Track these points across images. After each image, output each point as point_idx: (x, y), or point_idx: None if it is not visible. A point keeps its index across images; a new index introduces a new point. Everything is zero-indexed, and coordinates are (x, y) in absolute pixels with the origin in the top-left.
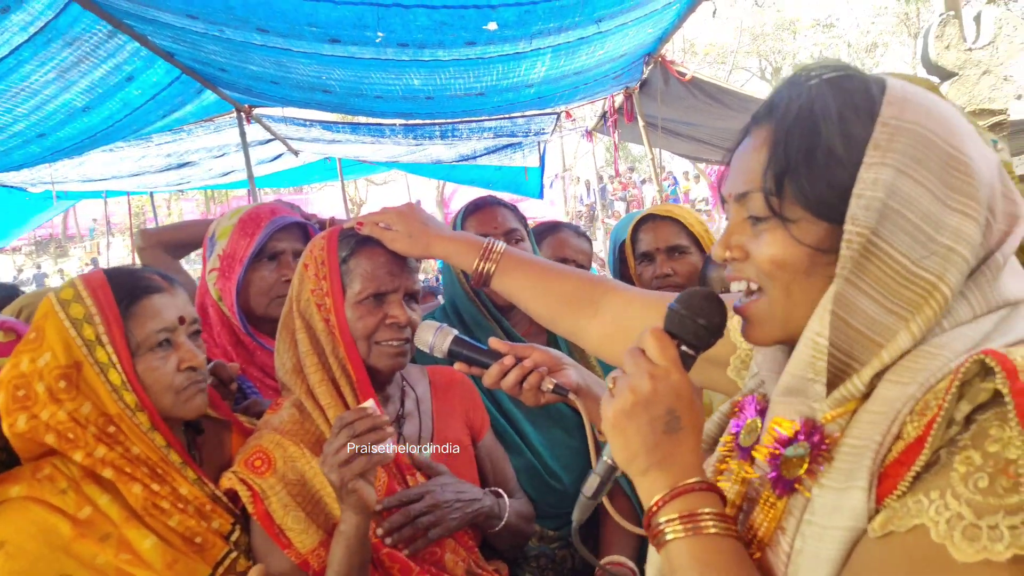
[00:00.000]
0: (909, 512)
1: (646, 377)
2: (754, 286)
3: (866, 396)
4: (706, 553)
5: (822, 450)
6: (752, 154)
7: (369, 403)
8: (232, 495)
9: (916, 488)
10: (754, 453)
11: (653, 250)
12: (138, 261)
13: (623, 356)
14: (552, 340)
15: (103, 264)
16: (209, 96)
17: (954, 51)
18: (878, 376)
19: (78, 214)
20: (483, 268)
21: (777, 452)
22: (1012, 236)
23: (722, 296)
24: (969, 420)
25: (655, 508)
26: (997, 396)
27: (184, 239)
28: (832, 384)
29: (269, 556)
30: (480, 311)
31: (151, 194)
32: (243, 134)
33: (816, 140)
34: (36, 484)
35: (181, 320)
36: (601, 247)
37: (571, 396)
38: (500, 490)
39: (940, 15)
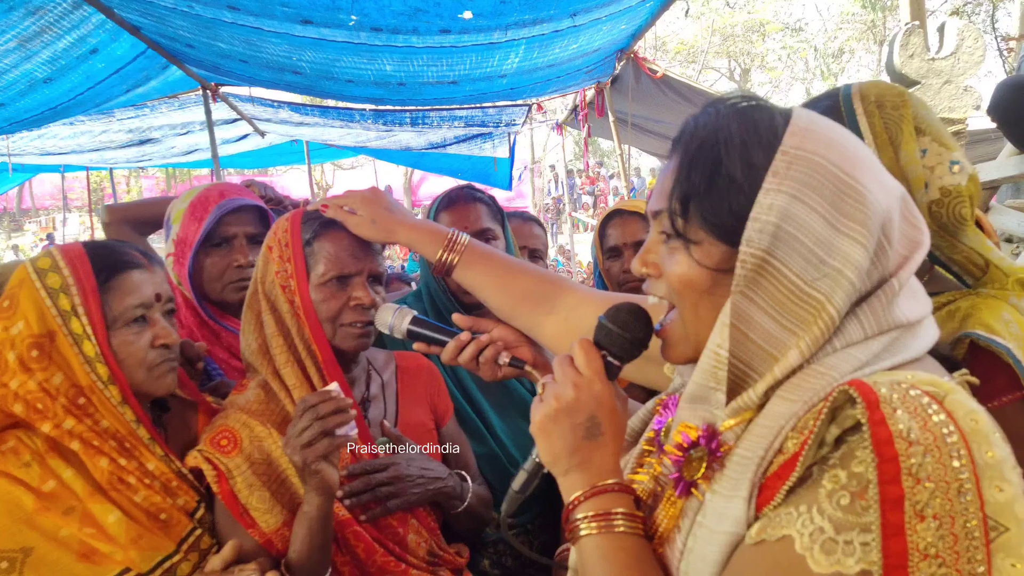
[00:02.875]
0: (780, 523)
1: (570, 386)
2: (665, 303)
3: (761, 407)
4: (612, 550)
5: (717, 456)
6: (667, 175)
7: (333, 386)
8: (197, 473)
9: (789, 500)
10: (662, 454)
11: (620, 245)
12: (98, 238)
13: (554, 363)
14: None
15: (59, 240)
16: (175, 72)
17: (918, 60)
18: (773, 389)
19: (34, 188)
20: (446, 259)
21: (679, 454)
22: (910, 262)
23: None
24: (841, 440)
25: (572, 506)
26: (861, 424)
27: (151, 217)
28: (733, 393)
29: (233, 535)
30: (449, 298)
31: (110, 170)
32: (208, 112)
33: (718, 167)
34: (0, 457)
35: (158, 297)
36: (567, 240)
37: (528, 368)
38: (464, 473)
39: (906, 24)
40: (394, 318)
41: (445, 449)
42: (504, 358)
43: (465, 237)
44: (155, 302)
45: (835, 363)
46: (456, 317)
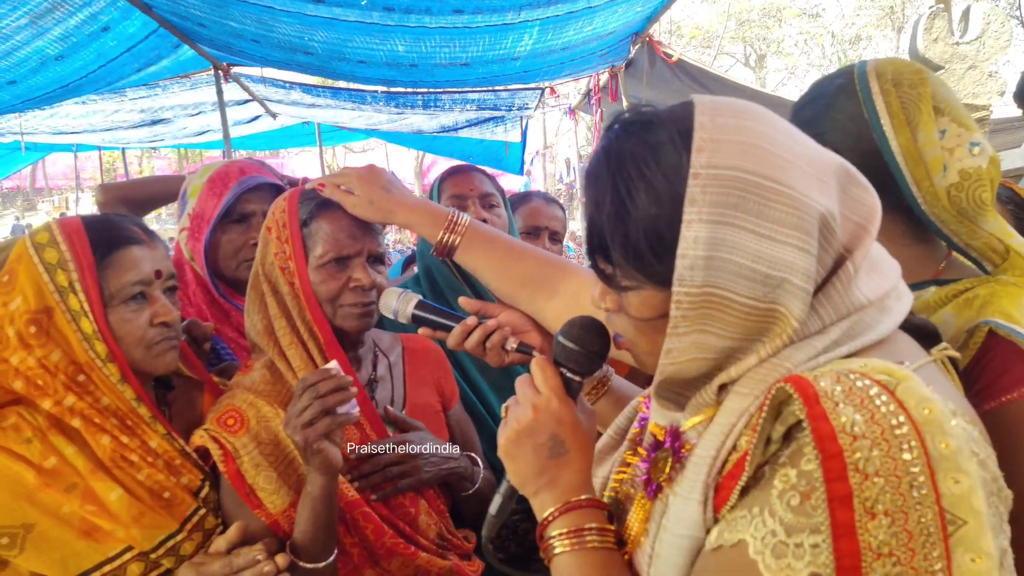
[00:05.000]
0: (736, 527)
1: (529, 407)
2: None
3: (721, 403)
4: (586, 566)
5: (680, 456)
6: (586, 225)
7: (333, 364)
8: (203, 453)
9: (743, 502)
10: (633, 456)
11: None
12: None
13: (517, 383)
14: None
15: None
16: (186, 51)
17: (942, 44)
18: (730, 384)
19: (47, 167)
20: (447, 240)
21: (649, 456)
22: (867, 233)
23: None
24: (790, 437)
25: (544, 524)
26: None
27: (146, 196)
28: (698, 389)
29: (239, 516)
30: (454, 275)
31: (123, 150)
32: (220, 93)
33: (621, 200)
34: (0, 433)
35: (158, 274)
36: (579, 226)
37: (536, 354)
38: (475, 456)
39: (930, 7)
40: (398, 302)
41: (454, 433)
42: (511, 344)
43: (466, 218)
44: (155, 279)
45: (790, 354)
46: (463, 300)
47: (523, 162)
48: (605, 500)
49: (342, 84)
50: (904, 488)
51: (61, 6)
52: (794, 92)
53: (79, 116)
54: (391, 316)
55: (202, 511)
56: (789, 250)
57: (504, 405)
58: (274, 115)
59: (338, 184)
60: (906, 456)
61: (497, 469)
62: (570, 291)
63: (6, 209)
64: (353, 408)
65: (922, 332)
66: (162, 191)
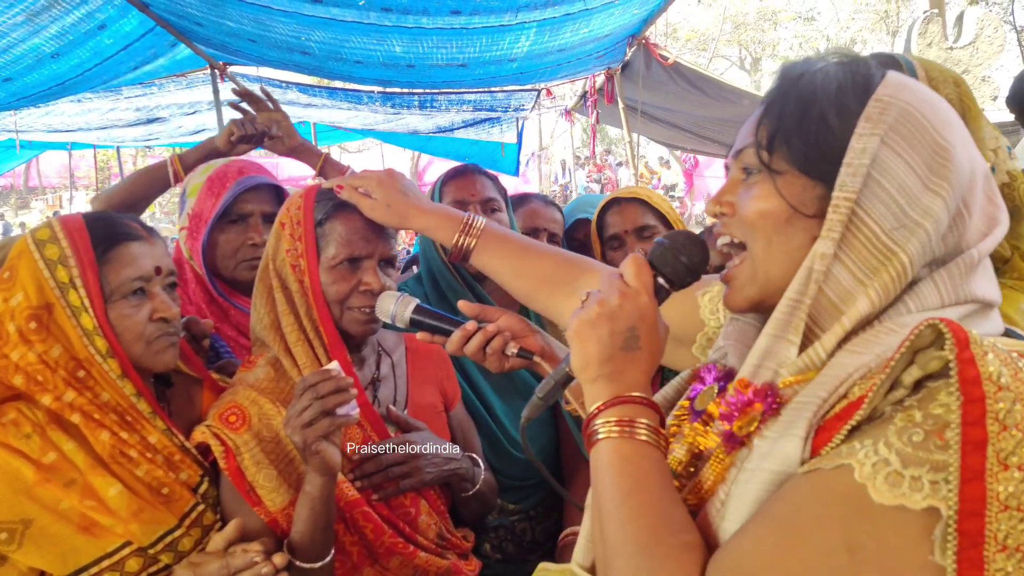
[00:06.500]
0: (840, 454)
1: (616, 293)
2: (737, 241)
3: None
4: (631, 455)
5: (773, 409)
6: (753, 119)
7: (334, 364)
8: (203, 449)
9: (851, 438)
10: (710, 408)
11: (622, 232)
12: None
13: (601, 277)
14: (524, 308)
15: None
16: (183, 50)
17: (935, 49)
18: (839, 347)
19: (41, 165)
20: (463, 243)
21: (733, 412)
22: (990, 237)
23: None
24: (919, 386)
25: (595, 412)
26: (949, 367)
27: (133, 198)
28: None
29: (238, 513)
30: (456, 279)
31: (117, 148)
32: (216, 92)
33: (811, 106)
34: (0, 428)
35: (158, 270)
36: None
37: (536, 359)
38: (476, 456)
39: (924, 12)
40: (396, 306)
41: (455, 434)
42: (512, 348)
43: (481, 220)
44: (155, 275)
45: (909, 322)
46: (462, 304)
47: (519, 163)
48: None
49: (338, 84)
50: None
51: (58, 4)
52: None
53: (74, 114)
54: (388, 320)
55: (201, 507)
56: (931, 197)
57: (585, 292)
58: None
59: (356, 187)
60: None
61: (497, 472)
62: (590, 288)
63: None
64: (353, 409)
65: None
66: (146, 186)
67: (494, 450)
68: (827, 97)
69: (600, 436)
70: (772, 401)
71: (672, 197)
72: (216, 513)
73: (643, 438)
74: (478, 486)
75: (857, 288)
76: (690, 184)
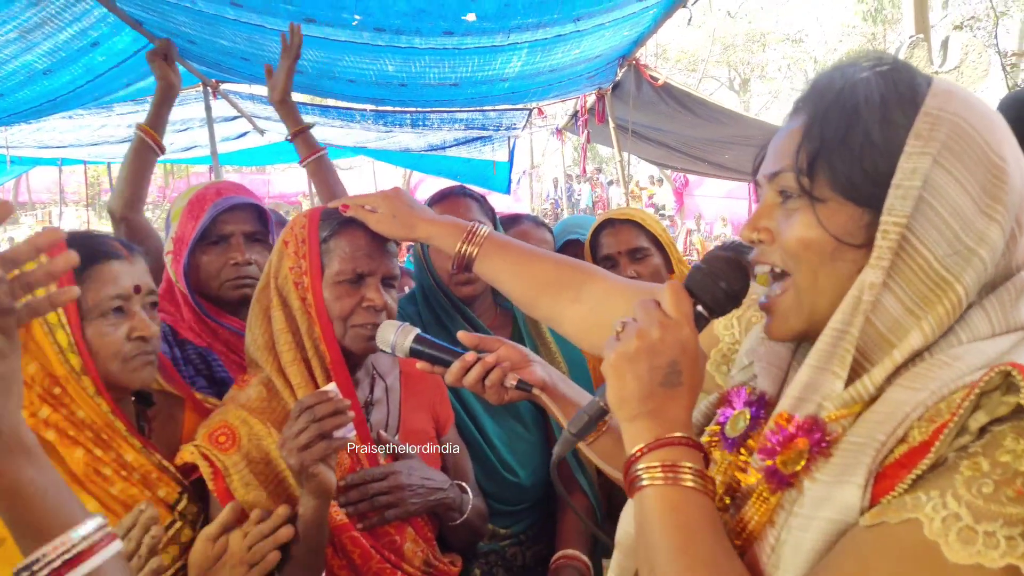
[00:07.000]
0: (904, 506)
1: (656, 325)
2: (779, 270)
3: (873, 400)
4: (679, 504)
5: (822, 447)
6: (788, 135)
7: (331, 386)
8: (187, 467)
9: (915, 487)
10: (749, 442)
11: (615, 254)
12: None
13: (635, 305)
14: (516, 332)
15: None
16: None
17: None
18: (888, 381)
19: (30, 181)
20: (465, 251)
21: (775, 448)
22: None
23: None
24: (983, 431)
25: (637, 455)
26: (1017, 410)
27: (136, 183)
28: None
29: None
30: (446, 296)
31: (108, 164)
32: (208, 109)
33: (854, 123)
34: None
35: (137, 289)
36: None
37: (535, 391)
38: (464, 484)
39: (910, 37)
40: (396, 336)
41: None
42: (511, 380)
43: (485, 228)
44: (134, 294)
45: (961, 354)
46: (461, 335)
47: (510, 181)
48: None
49: (331, 102)
50: None
51: (51, 21)
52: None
53: (66, 130)
54: (388, 350)
55: (179, 524)
56: (986, 222)
57: (619, 320)
58: (262, 132)
59: (362, 204)
60: None
61: (488, 495)
62: (595, 295)
63: None
64: (350, 432)
65: None
66: (142, 165)
67: (486, 473)
68: (871, 112)
69: (644, 483)
70: (820, 438)
71: (663, 216)
72: (195, 530)
73: (690, 484)
74: (466, 515)
75: (907, 318)
76: (680, 203)
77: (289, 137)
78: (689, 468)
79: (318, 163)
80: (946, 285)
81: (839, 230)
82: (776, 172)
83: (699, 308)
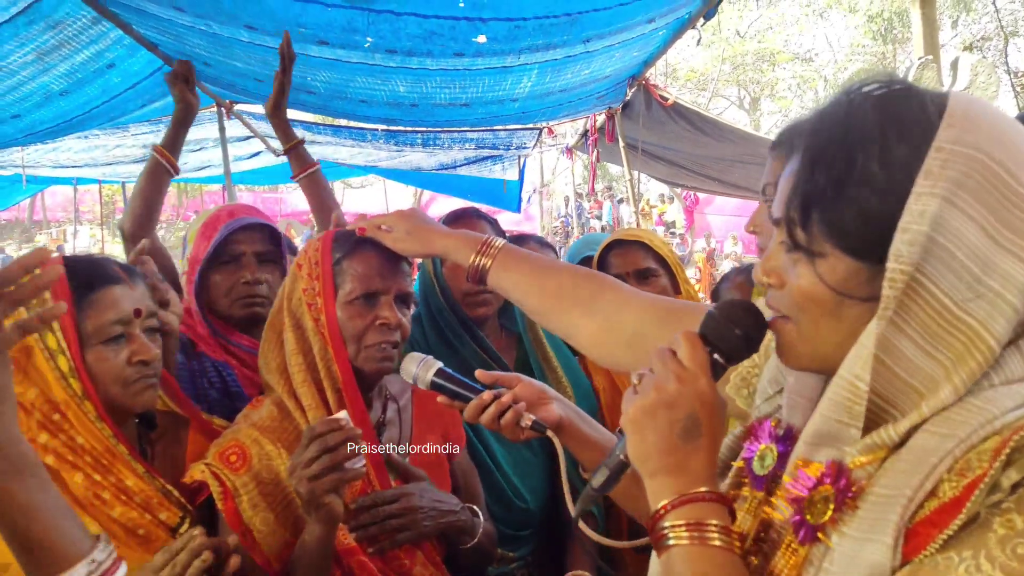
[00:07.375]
0: (937, 567)
1: (673, 378)
2: (786, 315)
3: (899, 444)
4: (707, 564)
5: (848, 497)
6: (789, 178)
7: (342, 414)
8: (193, 488)
9: (947, 547)
10: (778, 493)
11: (623, 274)
12: (109, 251)
13: (652, 354)
14: (522, 355)
15: (68, 252)
16: None
17: None
18: (915, 427)
19: (46, 199)
20: (479, 263)
21: (801, 496)
22: None
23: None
24: (1016, 486)
25: (661, 512)
26: None
27: (149, 203)
28: (865, 428)
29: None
30: (454, 316)
31: (123, 184)
32: (222, 129)
33: (850, 166)
34: None
35: (137, 313)
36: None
37: (549, 433)
38: (476, 508)
39: (920, 58)
40: (419, 368)
41: (457, 482)
42: (526, 421)
43: (500, 241)
44: (134, 318)
45: (994, 397)
46: (479, 373)
47: (520, 200)
48: None
49: (343, 122)
50: None
51: (68, 43)
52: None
53: (81, 150)
54: (410, 381)
55: None
56: (1011, 260)
57: (636, 373)
58: (276, 152)
59: (378, 225)
60: None
61: (498, 519)
62: (609, 308)
63: (3, 240)
64: (359, 462)
65: None
66: (156, 184)
67: (496, 498)
68: (869, 152)
69: (671, 542)
70: (846, 486)
71: (673, 234)
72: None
73: (717, 543)
74: (477, 538)
75: (932, 365)
76: (690, 221)
77: (282, 152)
78: (715, 526)
79: (311, 178)
80: (974, 335)
81: (841, 285)
82: (777, 220)
83: (715, 356)
